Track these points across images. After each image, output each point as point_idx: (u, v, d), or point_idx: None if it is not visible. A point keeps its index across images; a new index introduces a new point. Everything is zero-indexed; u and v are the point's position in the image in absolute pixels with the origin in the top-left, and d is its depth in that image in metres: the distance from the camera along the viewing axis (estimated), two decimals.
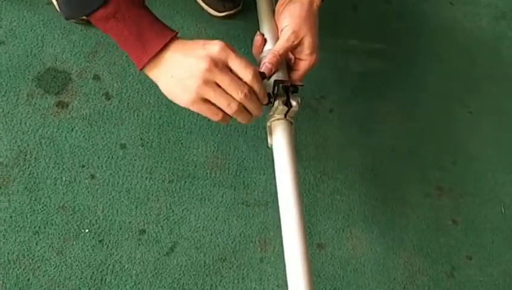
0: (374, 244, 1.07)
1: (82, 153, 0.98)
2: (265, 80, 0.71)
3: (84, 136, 0.99)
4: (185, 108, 0.67)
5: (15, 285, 0.88)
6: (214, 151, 1.05)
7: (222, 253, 0.98)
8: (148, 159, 1.01)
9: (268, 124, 0.75)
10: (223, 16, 1.14)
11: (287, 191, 0.70)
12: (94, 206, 0.96)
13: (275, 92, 0.72)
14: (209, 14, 1.15)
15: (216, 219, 1.00)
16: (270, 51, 0.73)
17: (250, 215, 1.02)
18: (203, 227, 0.99)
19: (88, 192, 0.96)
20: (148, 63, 0.67)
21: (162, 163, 1.01)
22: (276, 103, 0.72)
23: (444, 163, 1.20)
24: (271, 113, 0.74)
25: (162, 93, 0.68)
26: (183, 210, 0.99)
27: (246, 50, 1.12)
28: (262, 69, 0.72)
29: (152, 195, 0.99)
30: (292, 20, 0.73)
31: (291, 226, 0.68)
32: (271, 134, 0.75)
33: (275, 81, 0.72)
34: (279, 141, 0.73)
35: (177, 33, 0.68)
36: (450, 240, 1.12)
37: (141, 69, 0.68)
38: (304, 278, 0.66)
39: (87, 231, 0.94)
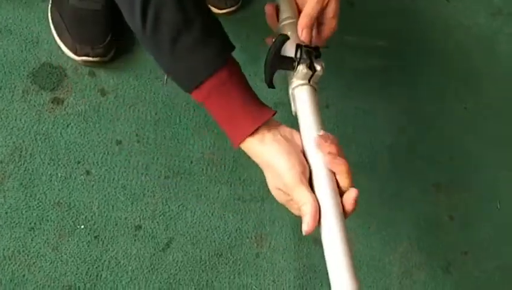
0: (371, 240, 1.07)
1: (77, 149, 0.98)
2: (286, 44, 0.68)
3: (79, 133, 0.99)
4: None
5: (10, 281, 0.88)
6: (210, 147, 1.04)
7: (218, 249, 0.98)
8: (144, 155, 1.01)
9: (291, 90, 0.71)
10: (223, 13, 1.14)
11: (318, 161, 0.66)
12: (90, 202, 0.95)
13: (298, 56, 0.69)
14: None
15: (212, 214, 1.00)
16: (303, 15, 0.70)
17: (246, 211, 1.02)
18: (199, 223, 0.99)
19: (83, 188, 0.96)
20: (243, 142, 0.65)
21: (157, 159, 1.01)
22: (299, 67, 0.68)
23: (440, 159, 1.20)
24: (293, 79, 0.70)
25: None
26: (179, 206, 0.99)
27: (247, 46, 1.12)
28: (303, 37, 0.69)
29: (148, 191, 0.99)
30: None
31: (325, 190, 0.64)
32: (294, 101, 0.71)
33: (297, 44, 0.69)
34: (304, 107, 0.69)
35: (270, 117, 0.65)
36: (446, 236, 1.12)
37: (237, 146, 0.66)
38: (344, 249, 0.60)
39: (82, 227, 0.94)
